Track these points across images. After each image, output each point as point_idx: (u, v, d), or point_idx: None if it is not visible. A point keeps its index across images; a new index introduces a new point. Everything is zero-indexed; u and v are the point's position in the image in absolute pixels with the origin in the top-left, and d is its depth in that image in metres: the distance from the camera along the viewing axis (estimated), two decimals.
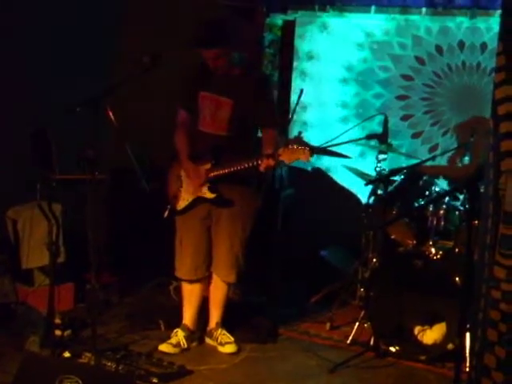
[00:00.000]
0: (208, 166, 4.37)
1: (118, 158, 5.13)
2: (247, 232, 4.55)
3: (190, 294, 4.67)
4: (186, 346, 4.57)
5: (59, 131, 4.50)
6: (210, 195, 4.41)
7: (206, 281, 4.66)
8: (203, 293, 4.70)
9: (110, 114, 4.34)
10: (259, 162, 4.15)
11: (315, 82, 6.56)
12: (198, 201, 4.47)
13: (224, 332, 4.62)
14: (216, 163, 4.35)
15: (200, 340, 4.70)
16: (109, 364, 4.08)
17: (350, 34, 6.43)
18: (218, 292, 4.63)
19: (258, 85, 4.44)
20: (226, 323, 4.68)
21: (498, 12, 5.02)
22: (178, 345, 4.54)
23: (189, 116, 4.53)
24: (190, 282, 4.63)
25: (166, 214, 4.56)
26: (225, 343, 4.57)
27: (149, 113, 5.98)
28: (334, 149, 5.39)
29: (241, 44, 4.42)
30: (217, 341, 4.62)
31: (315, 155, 5.65)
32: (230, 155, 4.29)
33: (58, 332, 4.40)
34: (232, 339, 4.60)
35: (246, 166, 4.20)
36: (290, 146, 4.06)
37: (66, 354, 4.17)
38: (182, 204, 4.52)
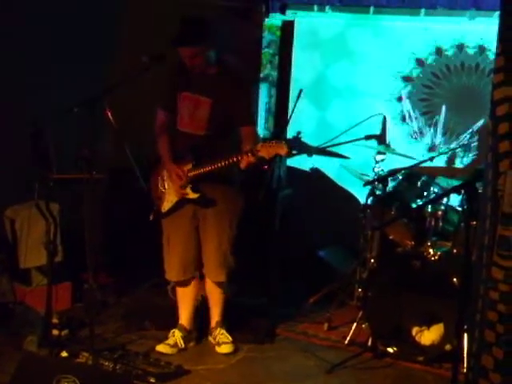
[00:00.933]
0: (189, 166, 4.37)
1: (116, 158, 5.12)
2: (234, 230, 4.54)
3: (184, 295, 4.67)
4: (183, 346, 4.57)
5: (57, 131, 4.49)
6: (193, 195, 4.41)
7: (198, 280, 4.66)
8: (199, 292, 4.70)
9: (109, 114, 4.33)
10: (239, 158, 4.16)
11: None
12: (183, 201, 4.46)
13: (223, 332, 4.62)
14: (197, 163, 4.34)
15: (197, 340, 4.70)
16: (106, 364, 4.08)
17: (348, 34, 6.44)
18: (213, 292, 4.63)
19: (235, 83, 4.42)
20: (225, 323, 4.68)
21: (497, 13, 5.02)
22: (175, 345, 4.54)
23: (168, 116, 4.52)
24: (180, 283, 4.63)
25: (152, 216, 4.56)
26: (222, 343, 4.57)
27: (147, 113, 5.97)
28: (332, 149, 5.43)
29: (217, 43, 4.41)
30: (215, 340, 4.62)
31: (313, 155, 5.72)
32: (210, 154, 4.29)
33: (55, 332, 4.40)
34: (230, 339, 4.59)
35: (226, 163, 4.20)
36: (268, 142, 4.07)
37: (64, 354, 4.17)
38: (166, 206, 4.52)
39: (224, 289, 4.63)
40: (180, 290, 4.68)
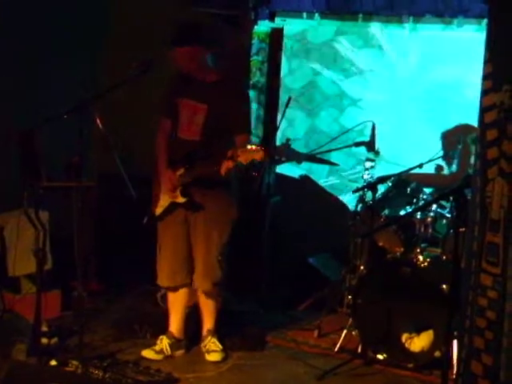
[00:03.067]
0: (181, 171, 4.38)
1: (106, 165, 5.11)
2: (224, 239, 4.52)
3: (174, 302, 4.66)
4: (169, 353, 4.54)
5: (46, 138, 4.48)
6: (181, 199, 4.42)
7: (190, 288, 4.64)
8: (190, 300, 4.69)
9: (98, 120, 4.32)
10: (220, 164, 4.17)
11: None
12: (174, 206, 4.48)
13: (214, 340, 4.60)
14: (189, 168, 4.36)
15: (187, 348, 4.68)
16: (96, 372, 4.05)
17: (337, 41, 6.47)
18: (204, 300, 4.61)
19: (234, 92, 4.47)
20: (217, 332, 4.65)
21: (485, 21, 5.05)
22: (161, 351, 4.52)
23: (170, 124, 4.56)
24: (171, 288, 4.63)
25: (146, 220, 4.57)
26: (211, 351, 4.55)
27: (136, 120, 5.97)
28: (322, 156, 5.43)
29: (215, 46, 4.44)
30: (205, 348, 4.60)
31: (303, 162, 5.72)
32: (204, 160, 4.31)
33: (44, 340, 4.38)
34: (219, 348, 4.57)
35: (212, 169, 4.21)
36: (249, 147, 4.08)
37: (53, 362, 4.14)
38: (159, 209, 4.54)
39: (214, 298, 4.59)
40: (171, 297, 4.67)
